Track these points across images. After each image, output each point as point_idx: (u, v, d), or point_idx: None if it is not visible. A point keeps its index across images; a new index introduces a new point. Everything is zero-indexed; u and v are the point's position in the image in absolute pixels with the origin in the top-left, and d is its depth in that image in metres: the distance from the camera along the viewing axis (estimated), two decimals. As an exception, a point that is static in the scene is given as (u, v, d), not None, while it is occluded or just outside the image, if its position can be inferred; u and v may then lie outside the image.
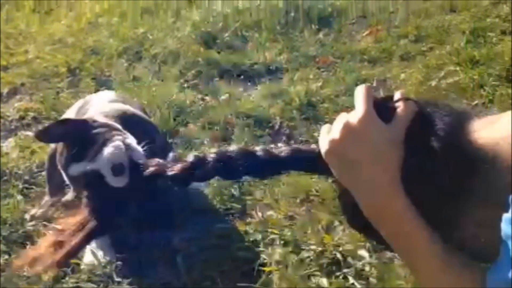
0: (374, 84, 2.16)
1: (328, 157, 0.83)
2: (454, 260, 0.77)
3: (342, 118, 0.82)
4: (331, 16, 2.88)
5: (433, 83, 2.05)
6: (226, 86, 2.27)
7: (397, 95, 0.82)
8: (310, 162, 0.93)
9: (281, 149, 0.94)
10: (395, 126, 0.79)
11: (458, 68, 2.13)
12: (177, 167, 0.96)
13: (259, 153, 0.94)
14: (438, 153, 0.75)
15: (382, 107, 0.81)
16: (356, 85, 2.18)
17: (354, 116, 0.79)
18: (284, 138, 1.89)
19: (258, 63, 2.44)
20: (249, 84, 2.32)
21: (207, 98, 2.17)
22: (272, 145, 0.91)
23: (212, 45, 2.62)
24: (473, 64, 2.15)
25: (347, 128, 0.78)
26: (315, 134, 1.88)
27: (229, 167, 0.93)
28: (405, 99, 0.80)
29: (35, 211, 1.47)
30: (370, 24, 2.79)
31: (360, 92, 0.81)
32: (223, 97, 2.17)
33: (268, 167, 0.94)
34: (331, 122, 1.97)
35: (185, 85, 2.24)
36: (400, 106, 0.80)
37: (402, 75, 2.17)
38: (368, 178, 0.77)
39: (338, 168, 0.83)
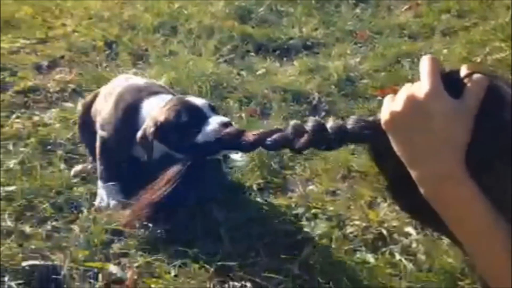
0: (416, 60, 2.10)
1: (388, 128, 0.80)
2: None
3: (406, 89, 0.79)
4: (369, -10, 2.81)
5: (478, 59, 1.99)
6: (261, 61, 2.24)
7: (463, 69, 0.76)
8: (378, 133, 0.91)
9: (349, 119, 0.93)
10: (465, 102, 0.74)
11: (503, 44, 2.06)
12: (257, 132, 1.01)
13: (329, 124, 0.94)
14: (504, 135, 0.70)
15: (450, 81, 0.76)
16: (397, 61, 2.14)
17: (420, 89, 0.74)
18: (323, 113, 1.86)
19: (294, 38, 2.40)
20: (285, 59, 2.29)
21: (243, 72, 2.15)
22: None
23: (247, 20, 2.58)
24: (519, 39, 2.07)
25: (412, 101, 0.74)
26: (355, 110, 1.85)
27: (301, 137, 0.95)
28: (475, 73, 0.74)
29: (79, 167, 1.57)
30: (409, -1, 2.71)
31: (426, 63, 0.76)
32: (259, 72, 2.15)
33: (337, 138, 0.95)
34: (370, 98, 1.94)
35: (221, 60, 2.22)
36: (470, 81, 0.75)
37: (445, 51, 2.11)
38: (432, 157, 0.73)
39: (397, 143, 0.78)
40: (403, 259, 1.13)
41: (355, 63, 2.13)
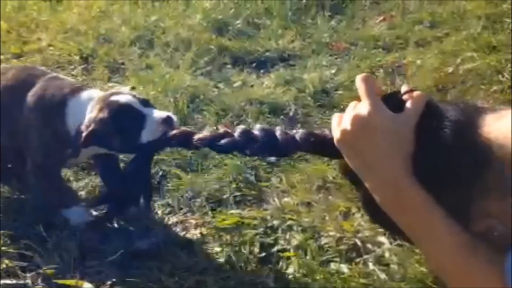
0: (390, 70, 2.14)
1: (341, 146, 0.85)
2: (479, 251, 0.76)
3: (351, 109, 0.84)
4: (344, 2, 2.85)
5: (450, 69, 2.03)
6: (238, 73, 2.26)
7: (404, 87, 0.84)
8: (324, 146, 0.97)
9: (298, 131, 0.98)
10: (405, 114, 0.80)
11: (475, 54, 2.11)
12: (207, 133, 1.04)
13: (278, 132, 0.98)
14: (449, 145, 0.76)
15: (390, 99, 0.83)
16: (371, 72, 2.18)
17: (363, 107, 0.81)
18: (298, 125, 1.88)
19: (270, 50, 2.43)
20: (262, 71, 2.30)
21: (220, 85, 2.16)
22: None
23: (224, 33, 2.60)
24: (490, 50, 2.12)
25: (357, 119, 0.81)
26: (330, 121, 1.86)
27: (251, 143, 0.97)
28: (413, 91, 0.82)
29: None
30: (383, 11, 2.77)
31: (360, 83, 0.84)
32: (236, 84, 2.16)
33: (285, 146, 0.99)
34: (345, 109, 1.96)
35: (198, 72, 2.22)
36: (409, 98, 0.81)
37: (418, 61, 2.15)
38: (379, 166, 0.79)
39: (350, 158, 0.84)
40: (376, 269, 1.14)
41: (330, 74, 2.16)
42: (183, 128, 1.19)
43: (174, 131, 1.13)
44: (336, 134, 0.85)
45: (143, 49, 2.42)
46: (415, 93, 0.81)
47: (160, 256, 1.26)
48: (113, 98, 1.26)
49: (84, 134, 1.22)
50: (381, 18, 2.67)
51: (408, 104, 0.80)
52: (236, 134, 1.00)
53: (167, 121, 1.19)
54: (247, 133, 1.00)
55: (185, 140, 1.10)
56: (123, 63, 2.31)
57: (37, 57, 2.39)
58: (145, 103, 1.26)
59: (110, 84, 2.15)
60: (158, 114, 1.21)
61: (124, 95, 1.27)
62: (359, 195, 0.97)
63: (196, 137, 1.07)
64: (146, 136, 1.19)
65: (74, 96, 1.32)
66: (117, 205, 1.24)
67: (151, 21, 2.69)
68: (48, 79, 1.41)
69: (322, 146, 0.95)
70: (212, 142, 1.03)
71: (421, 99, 0.81)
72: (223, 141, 1.00)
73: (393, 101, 0.83)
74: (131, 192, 1.21)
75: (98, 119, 1.22)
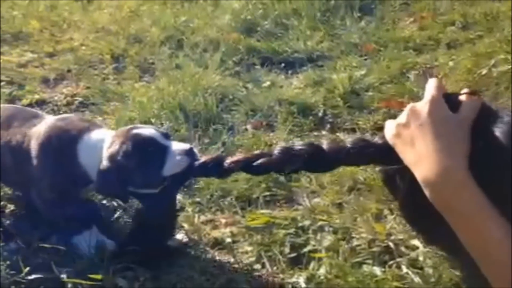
0: (421, 73, 2.10)
1: (396, 141, 0.85)
2: None
3: (409, 105, 0.86)
4: (373, 3, 2.83)
5: (483, 71, 1.99)
6: (267, 73, 2.26)
7: (464, 90, 0.86)
8: (377, 154, 0.97)
9: (347, 141, 0.97)
10: (462, 114, 0.82)
11: (509, 57, 2.06)
12: (240, 156, 1.03)
13: (325, 144, 0.98)
14: (503, 146, 0.77)
15: (450, 100, 0.85)
16: (402, 73, 2.15)
17: (422, 101, 0.84)
18: (328, 126, 1.86)
19: (299, 51, 2.42)
20: (290, 72, 2.30)
21: (249, 85, 2.16)
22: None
23: (253, 33, 2.61)
24: (524, 52, 2.06)
25: (413, 111, 0.84)
26: (360, 122, 1.86)
27: (293, 159, 0.97)
28: (474, 93, 0.84)
29: None
30: (413, 11, 2.73)
31: (431, 83, 0.86)
32: (264, 85, 2.16)
33: (334, 158, 0.98)
34: (376, 110, 1.96)
35: (226, 72, 2.23)
36: (466, 97, 0.84)
37: (450, 63, 2.11)
38: (436, 161, 0.79)
39: (404, 152, 0.85)
40: (410, 272, 1.13)
41: (360, 75, 2.14)
42: (212, 154, 1.18)
43: (204, 159, 1.12)
44: (390, 129, 0.86)
45: (173, 49, 2.45)
46: (471, 98, 0.84)
47: (191, 255, 1.27)
48: (135, 131, 1.22)
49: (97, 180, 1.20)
50: (412, 19, 2.63)
51: (465, 104, 0.82)
52: (275, 152, 0.98)
53: (189, 153, 1.16)
54: (287, 150, 0.98)
55: (216, 166, 1.09)
56: (153, 63, 2.34)
57: (69, 56, 2.44)
58: (166, 135, 1.24)
59: (141, 83, 2.18)
60: (180, 146, 1.19)
61: (145, 128, 1.25)
62: (399, 202, 0.98)
63: (228, 161, 1.06)
64: (169, 169, 1.17)
65: (86, 136, 1.28)
66: (143, 242, 1.22)
67: (180, 21, 2.72)
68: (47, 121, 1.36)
69: (375, 154, 0.95)
70: (247, 164, 1.02)
71: (478, 101, 0.83)
72: (260, 161, 0.99)
73: (452, 100, 0.85)
74: (157, 229, 1.21)
75: (119, 153, 1.18)
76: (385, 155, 0.93)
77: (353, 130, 1.83)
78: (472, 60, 2.09)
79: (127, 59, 2.36)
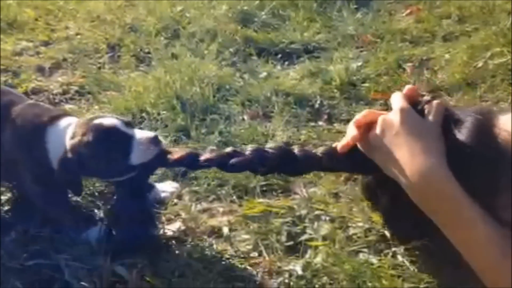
0: (417, 64, 2.12)
1: (373, 154, 0.94)
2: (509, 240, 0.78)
3: (380, 118, 0.96)
4: (370, -5, 2.83)
5: (479, 64, 2.00)
6: (264, 64, 2.25)
7: (425, 96, 0.98)
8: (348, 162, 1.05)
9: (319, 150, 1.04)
10: (430, 119, 0.92)
11: (504, 49, 2.07)
12: (213, 153, 1.06)
13: (297, 150, 1.03)
14: (469, 144, 0.85)
15: (415, 106, 0.95)
16: (398, 65, 2.16)
17: (391, 113, 0.95)
18: (324, 116, 1.87)
19: (295, 42, 2.42)
20: (287, 63, 2.30)
21: (246, 76, 2.16)
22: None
23: (249, 24, 2.60)
24: (520, 45, 2.08)
25: (386, 122, 0.92)
26: (356, 113, 1.86)
27: (265, 161, 1.01)
28: (433, 98, 0.96)
29: None
30: (410, 4, 2.73)
31: (396, 95, 0.98)
32: (261, 75, 2.16)
33: (305, 165, 1.05)
34: (372, 101, 2.00)
35: (223, 63, 2.23)
36: (430, 105, 0.94)
37: (446, 56, 2.12)
38: (416, 163, 0.86)
39: (382, 161, 0.94)
40: (405, 261, 1.14)
41: (357, 67, 2.15)
42: (187, 149, 1.19)
43: (181, 153, 1.13)
44: (367, 143, 0.97)
45: (169, 39, 2.44)
46: (434, 102, 0.95)
47: (189, 243, 1.28)
48: (96, 121, 1.19)
49: (57, 168, 1.17)
50: (408, 11, 2.64)
51: (431, 110, 0.92)
52: (247, 152, 1.00)
53: (154, 141, 1.15)
54: (259, 151, 1.01)
55: (191, 162, 1.11)
56: (149, 52, 2.33)
57: (65, 45, 2.42)
58: (129, 124, 1.21)
59: (137, 73, 2.17)
60: (144, 134, 1.17)
61: (107, 118, 1.21)
62: (380, 212, 1.06)
63: (202, 158, 1.08)
64: (136, 158, 1.15)
65: (53, 125, 1.25)
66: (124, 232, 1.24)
67: (177, 11, 2.71)
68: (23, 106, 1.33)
69: (345, 163, 1.04)
70: (221, 162, 1.05)
71: (441, 106, 0.93)
72: (234, 160, 1.01)
73: (418, 108, 0.95)
74: (133, 219, 1.22)
75: (81, 144, 1.16)
76: (357, 167, 1.03)
77: (349, 121, 1.83)
78: (468, 53, 2.11)
79: (123, 48, 2.35)
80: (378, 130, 0.93)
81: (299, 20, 2.61)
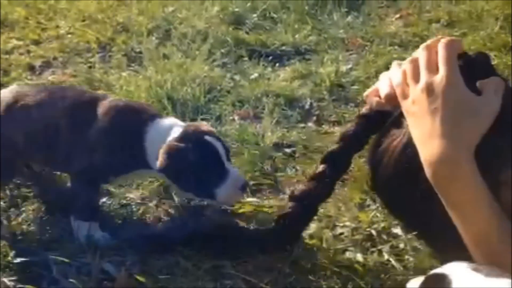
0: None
1: (409, 113, 0.84)
2: None
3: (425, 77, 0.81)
4: (361, -1, 2.86)
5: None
6: (254, 66, 2.27)
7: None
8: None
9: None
10: (488, 101, 0.78)
11: (492, 54, 2.11)
12: None
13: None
14: None
15: (468, 62, 0.82)
16: (387, 68, 2.19)
17: (438, 75, 0.79)
18: (314, 118, 1.89)
19: (286, 44, 2.44)
20: (277, 65, 2.32)
21: (236, 77, 2.18)
22: None
23: (241, 26, 2.61)
24: (508, 50, 2.12)
25: (429, 86, 0.78)
26: (345, 115, 1.89)
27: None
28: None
29: None
30: (399, 8, 2.77)
31: (442, 49, 0.81)
32: (252, 77, 2.18)
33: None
34: (361, 103, 2.00)
35: (214, 63, 2.24)
36: (491, 83, 0.80)
37: (435, 59, 2.15)
38: (448, 142, 0.77)
39: (415, 127, 0.82)
40: (391, 259, 1.16)
41: (346, 69, 2.17)
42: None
43: None
44: (404, 103, 0.83)
45: (160, 39, 2.44)
46: (493, 79, 0.80)
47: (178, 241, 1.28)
48: (206, 137, 1.21)
49: (160, 159, 1.17)
50: (398, 15, 2.67)
51: (489, 88, 0.78)
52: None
53: (245, 187, 1.25)
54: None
55: None
56: (140, 52, 2.33)
57: (55, 44, 2.42)
58: (228, 153, 1.25)
59: (128, 72, 2.18)
60: (239, 177, 1.23)
61: (213, 138, 1.23)
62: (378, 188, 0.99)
63: None
64: (223, 195, 1.20)
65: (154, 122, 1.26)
66: None
67: (169, 11, 2.72)
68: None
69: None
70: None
71: (501, 84, 0.79)
72: None
73: (471, 66, 0.82)
74: None
75: (181, 150, 1.17)
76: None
77: (338, 123, 1.86)
78: (456, 57, 2.14)
79: (114, 48, 2.35)
80: (418, 93, 0.80)
81: (291, 23, 2.63)
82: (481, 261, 0.77)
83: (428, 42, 0.85)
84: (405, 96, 0.84)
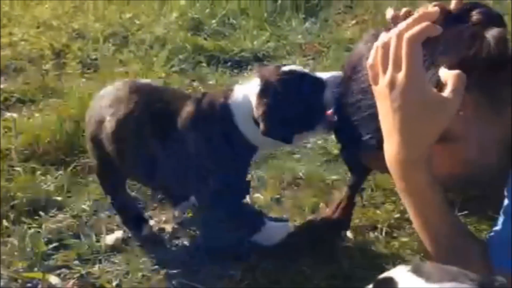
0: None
1: (377, 96, 0.82)
2: (463, 229, 0.85)
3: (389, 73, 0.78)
4: (318, 5, 2.90)
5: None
6: (213, 72, 2.27)
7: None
8: None
9: None
10: (444, 98, 0.75)
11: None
12: None
13: None
14: None
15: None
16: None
17: (402, 71, 0.75)
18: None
19: (245, 50, 2.45)
20: (236, 71, 2.32)
21: (195, 83, 2.17)
22: None
23: (200, 32, 2.61)
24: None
25: (392, 82, 0.76)
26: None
27: None
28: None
29: None
30: (356, 14, 2.82)
31: (405, 45, 0.76)
32: (210, 83, 2.17)
33: None
34: None
35: (172, 70, 2.23)
36: (449, 77, 0.76)
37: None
38: (397, 147, 0.78)
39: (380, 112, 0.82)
40: (341, 261, 1.17)
41: (303, 75, 2.19)
42: None
43: None
44: (374, 89, 0.81)
45: (117, 46, 2.41)
46: (455, 73, 0.75)
47: (127, 251, 1.27)
48: (283, 70, 1.11)
49: (262, 124, 1.04)
50: (354, 21, 2.73)
51: (451, 86, 0.75)
52: None
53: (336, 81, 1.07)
54: None
55: None
56: (96, 59, 2.30)
57: (8, 51, 2.36)
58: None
59: (83, 80, 2.14)
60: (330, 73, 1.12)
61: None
62: None
63: None
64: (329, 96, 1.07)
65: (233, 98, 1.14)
66: None
67: (126, 18, 2.68)
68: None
69: None
70: None
71: (464, 79, 0.75)
72: None
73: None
74: None
75: (275, 99, 1.05)
76: None
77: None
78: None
79: (68, 55, 2.30)
80: (386, 81, 0.77)
81: (250, 29, 2.65)
82: (427, 245, 0.83)
83: (401, 25, 0.78)
84: (376, 82, 0.82)
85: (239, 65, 2.36)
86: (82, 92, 1.97)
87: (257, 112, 1.07)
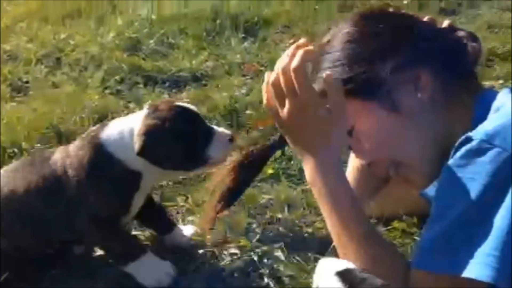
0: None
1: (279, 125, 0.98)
2: (377, 238, 0.93)
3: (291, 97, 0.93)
4: (257, 25, 2.95)
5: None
6: (149, 92, 2.25)
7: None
8: None
9: None
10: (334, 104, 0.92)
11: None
12: None
13: None
14: None
15: None
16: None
17: (299, 104, 0.91)
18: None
19: (184, 70, 2.45)
20: (174, 91, 2.32)
21: (131, 104, 2.14)
22: None
23: (137, 51, 2.59)
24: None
25: (297, 112, 0.91)
26: (238, 140, 1.92)
27: None
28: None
29: None
30: (293, 34, 2.90)
31: (294, 76, 0.90)
32: (146, 103, 2.15)
33: None
34: (253, 128, 2.04)
35: (107, 91, 2.20)
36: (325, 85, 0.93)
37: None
38: (319, 151, 0.92)
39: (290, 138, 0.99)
40: (270, 282, 1.18)
41: (241, 94, 2.22)
42: None
43: None
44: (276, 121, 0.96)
45: (50, 67, 2.35)
46: (326, 75, 0.92)
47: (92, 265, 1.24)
48: (176, 104, 1.16)
49: (138, 142, 1.06)
50: (291, 41, 2.79)
51: (330, 90, 0.91)
52: None
53: (232, 140, 1.16)
54: None
55: None
56: (27, 82, 2.23)
57: None
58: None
59: (13, 104, 2.06)
60: (223, 130, 1.18)
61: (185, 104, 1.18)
62: None
63: None
64: (214, 151, 1.13)
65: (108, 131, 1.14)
66: None
67: (60, 38, 2.63)
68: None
69: None
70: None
71: (336, 82, 0.91)
72: None
73: None
74: None
75: (157, 124, 1.08)
76: None
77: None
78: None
79: (-2, 78, 2.23)
80: (286, 114, 0.93)
81: (188, 48, 2.66)
82: (336, 242, 0.93)
83: (282, 62, 0.94)
84: (278, 117, 0.95)
85: (177, 85, 2.35)
86: (10, 116, 1.91)
87: (137, 132, 1.10)
